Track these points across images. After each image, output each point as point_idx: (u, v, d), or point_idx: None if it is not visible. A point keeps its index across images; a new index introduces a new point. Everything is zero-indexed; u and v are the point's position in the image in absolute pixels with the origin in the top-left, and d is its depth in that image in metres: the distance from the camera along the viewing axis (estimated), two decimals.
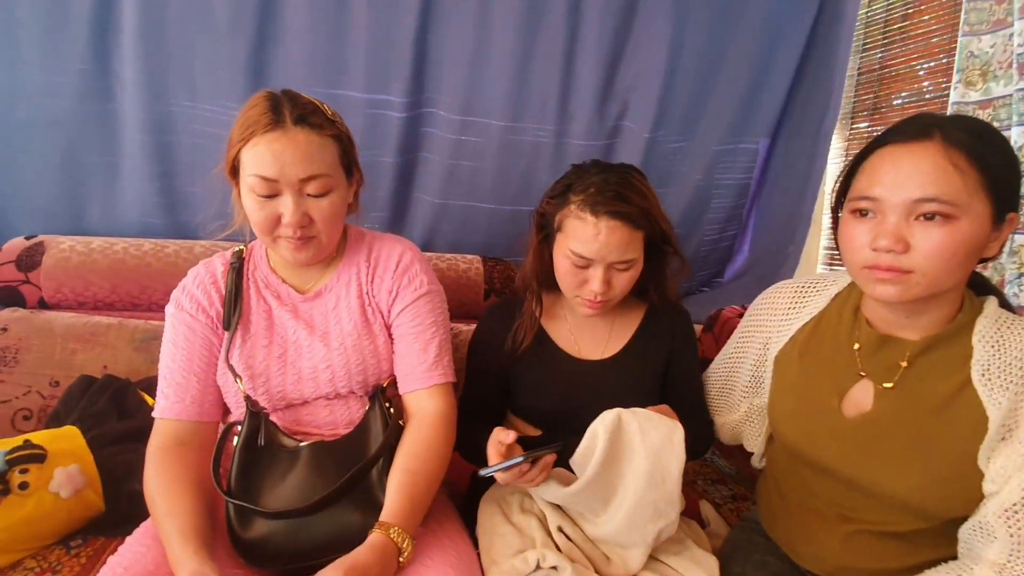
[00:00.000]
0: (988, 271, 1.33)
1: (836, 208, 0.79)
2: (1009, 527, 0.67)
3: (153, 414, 0.89)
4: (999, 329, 0.72)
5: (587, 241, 0.88)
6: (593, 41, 1.57)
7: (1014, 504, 0.67)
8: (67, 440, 0.96)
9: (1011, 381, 0.69)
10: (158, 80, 1.37)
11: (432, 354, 0.93)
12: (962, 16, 1.57)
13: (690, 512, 1.08)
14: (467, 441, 0.98)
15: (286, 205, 0.82)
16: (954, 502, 0.72)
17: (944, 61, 1.62)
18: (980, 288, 0.78)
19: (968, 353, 0.73)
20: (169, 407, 0.87)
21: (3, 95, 1.32)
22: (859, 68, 1.90)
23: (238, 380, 0.88)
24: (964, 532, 0.73)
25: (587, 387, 1.01)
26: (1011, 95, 1.45)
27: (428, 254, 1.50)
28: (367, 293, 0.95)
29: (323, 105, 0.87)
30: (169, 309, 0.92)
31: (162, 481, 0.81)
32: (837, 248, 0.79)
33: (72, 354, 1.22)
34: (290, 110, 0.82)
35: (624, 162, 0.98)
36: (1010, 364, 0.69)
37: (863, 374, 0.79)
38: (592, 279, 0.91)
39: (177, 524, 0.76)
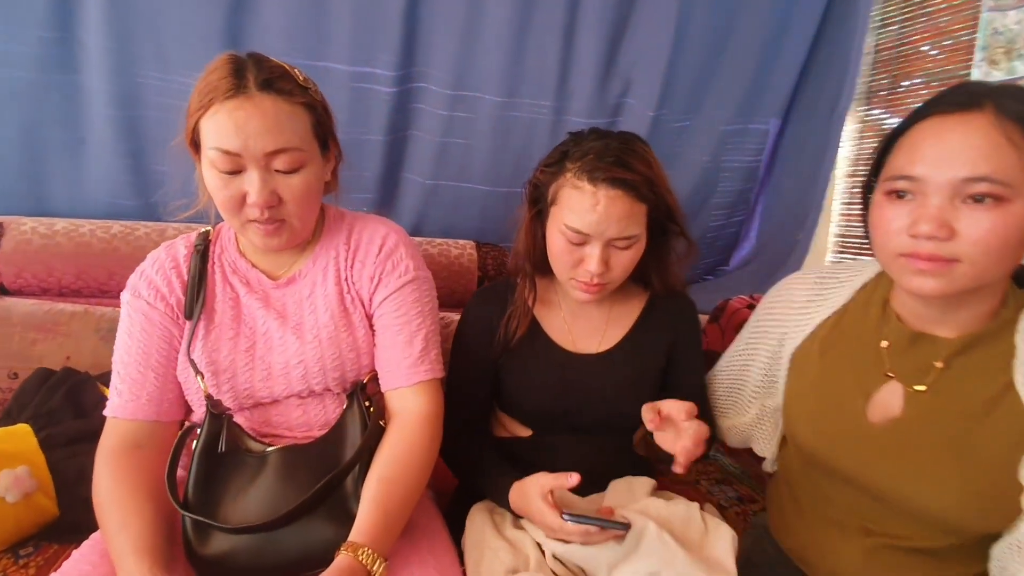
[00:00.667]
0: None
1: (866, 189, 0.71)
2: None
3: (104, 412, 0.80)
4: None
5: (584, 212, 0.80)
6: (595, 13, 1.48)
7: None
8: (16, 440, 0.88)
9: None
10: (125, 48, 1.27)
11: (418, 348, 0.85)
12: None
13: None
14: (452, 445, 0.90)
15: (251, 182, 0.73)
16: (992, 518, 0.65)
17: (965, 39, 1.52)
18: (1022, 282, 0.70)
19: (1011, 353, 0.65)
20: (123, 405, 0.79)
21: None
22: (876, 46, 1.80)
23: (199, 377, 0.79)
24: (998, 550, 0.66)
25: (582, 384, 0.93)
26: None
27: (417, 239, 1.42)
28: (346, 280, 0.86)
29: (294, 70, 0.78)
30: (125, 296, 0.84)
31: (115, 490, 0.73)
32: (866, 235, 0.70)
33: (32, 344, 1.13)
34: (255, 74, 0.73)
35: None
36: None
37: (891, 375, 0.72)
38: (589, 258, 0.82)
39: (131, 540, 0.68)
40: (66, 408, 0.97)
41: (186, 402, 0.85)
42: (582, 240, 0.82)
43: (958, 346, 0.67)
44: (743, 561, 0.86)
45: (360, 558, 0.67)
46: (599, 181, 0.79)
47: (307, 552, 0.73)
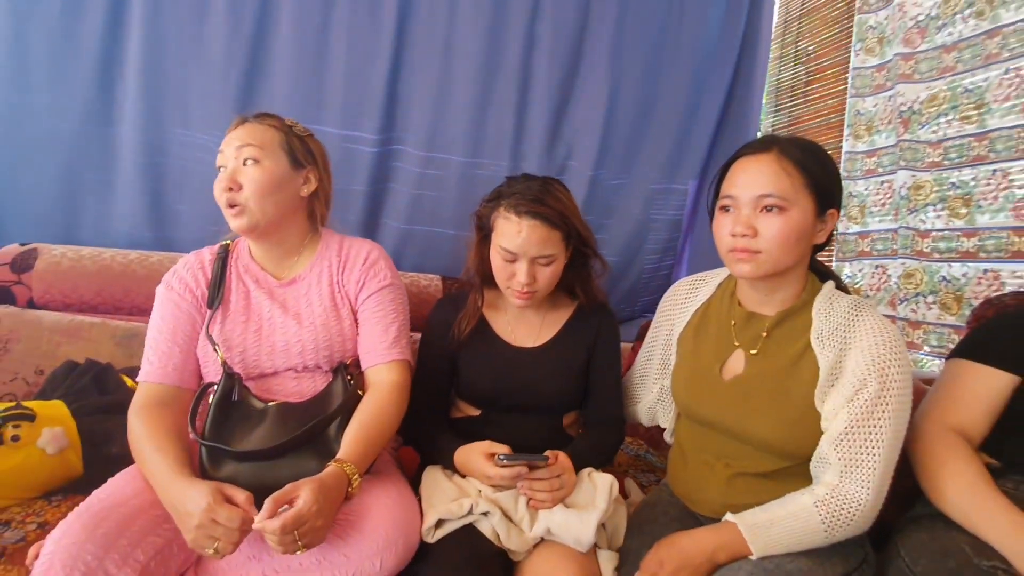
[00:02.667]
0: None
1: (711, 209, 1.00)
2: (838, 452, 0.84)
3: (137, 378, 1.01)
4: (830, 303, 0.92)
5: (512, 237, 1.05)
6: (542, 90, 1.83)
7: (839, 434, 0.84)
8: (53, 409, 1.07)
9: (836, 340, 0.88)
10: (156, 108, 1.56)
11: (392, 335, 1.08)
12: (850, 82, 1.89)
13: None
14: (415, 424, 1.11)
15: (225, 171, 1.02)
16: (802, 440, 0.89)
17: (836, 119, 1.92)
18: (822, 276, 0.99)
19: (808, 323, 0.92)
20: (152, 371, 1.00)
21: (13, 113, 1.49)
22: (773, 126, 2.20)
23: (217, 349, 1.01)
24: (812, 466, 0.90)
25: (521, 370, 1.16)
26: (894, 145, 1.73)
27: None
28: (337, 282, 1.10)
29: (284, 118, 1.08)
30: (159, 289, 1.07)
31: (147, 428, 0.92)
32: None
33: (57, 346, 1.33)
34: (252, 117, 1.06)
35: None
36: (835, 328, 0.89)
37: (737, 344, 0.98)
38: (519, 272, 1.07)
39: (166, 460, 0.87)
40: (91, 388, 1.16)
41: (201, 375, 1.06)
42: (513, 258, 1.07)
43: (775, 320, 0.94)
44: (644, 504, 1.08)
45: (345, 469, 0.88)
46: (522, 213, 1.04)
47: (296, 479, 0.89)
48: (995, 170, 1.48)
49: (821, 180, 0.88)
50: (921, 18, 1.69)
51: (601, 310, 1.23)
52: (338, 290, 1.10)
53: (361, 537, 0.88)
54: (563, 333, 1.20)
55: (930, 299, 1.59)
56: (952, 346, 1.02)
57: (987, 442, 0.90)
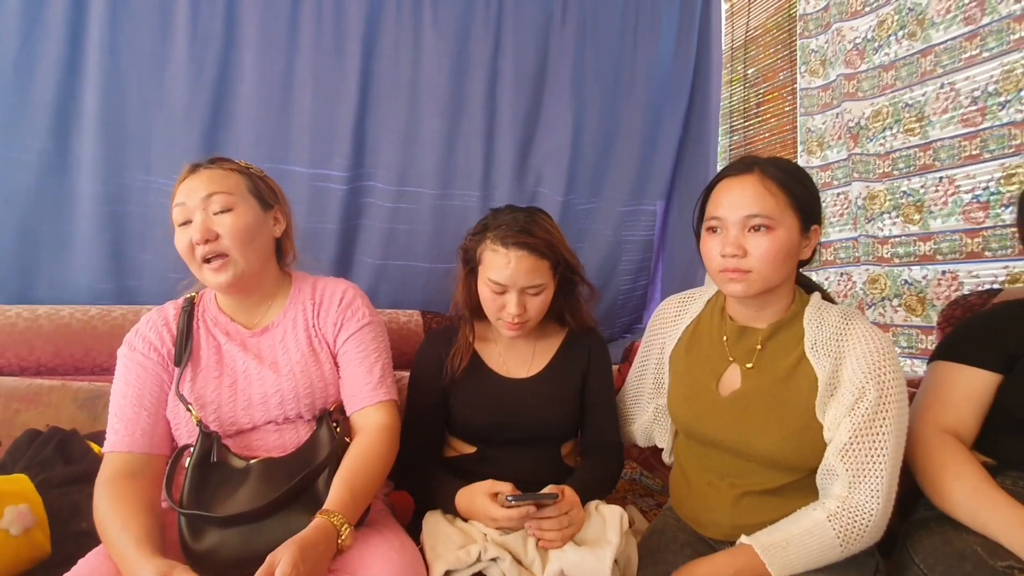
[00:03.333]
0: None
1: (697, 230, 1.02)
2: (845, 464, 0.85)
3: (103, 449, 0.93)
4: (820, 313, 0.94)
5: (500, 269, 1.04)
6: (508, 122, 1.87)
7: (844, 445, 0.85)
8: (16, 483, 0.98)
9: (830, 349, 0.90)
10: (114, 155, 1.50)
11: (377, 375, 1.04)
12: (798, 101, 1.99)
13: None
14: (409, 467, 1.07)
15: (195, 224, 0.95)
16: (806, 452, 0.90)
17: (790, 137, 2.01)
18: (808, 288, 1.02)
19: (801, 334, 0.94)
20: (119, 440, 0.93)
21: None
22: (730, 146, 2.29)
23: (190, 408, 0.95)
24: (818, 479, 0.91)
25: (516, 402, 1.14)
26: (846, 159, 1.82)
27: None
28: (313, 326, 1.06)
29: (242, 162, 1.04)
30: (122, 351, 1.00)
31: (114, 503, 0.85)
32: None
33: (15, 414, 1.23)
34: (205, 162, 1.01)
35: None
36: (828, 338, 0.91)
37: (731, 359, 0.99)
38: (509, 303, 1.06)
39: (132, 536, 0.80)
40: (56, 458, 1.07)
41: (173, 439, 0.99)
42: (502, 290, 1.06)
43: (768, 332, 0.96)
44: (651, 531, 1.06)
45: (332, 520, 0.82)
46: (510, 245, 1.04)
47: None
48: (942, 177, 1.57)
49: (802, 198, 0.91)
50: (859, 41, 1.80)
51: (590, 334, 1.23)
52: (315, 334, 1.06)
53: None
54: (556, 361, 1.19)
55: (895, 302, 1.66)
56: (922, 346, 1.06)
57: (979, 441, 0.93)
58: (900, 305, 1.65)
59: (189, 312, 1.03)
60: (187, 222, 0.96)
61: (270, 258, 1.05)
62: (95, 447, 1.14)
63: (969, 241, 1.51)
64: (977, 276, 1.49)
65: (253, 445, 1.00)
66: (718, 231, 0.94)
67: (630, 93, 2.00)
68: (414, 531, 1.07)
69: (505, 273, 1.04)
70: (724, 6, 2.25)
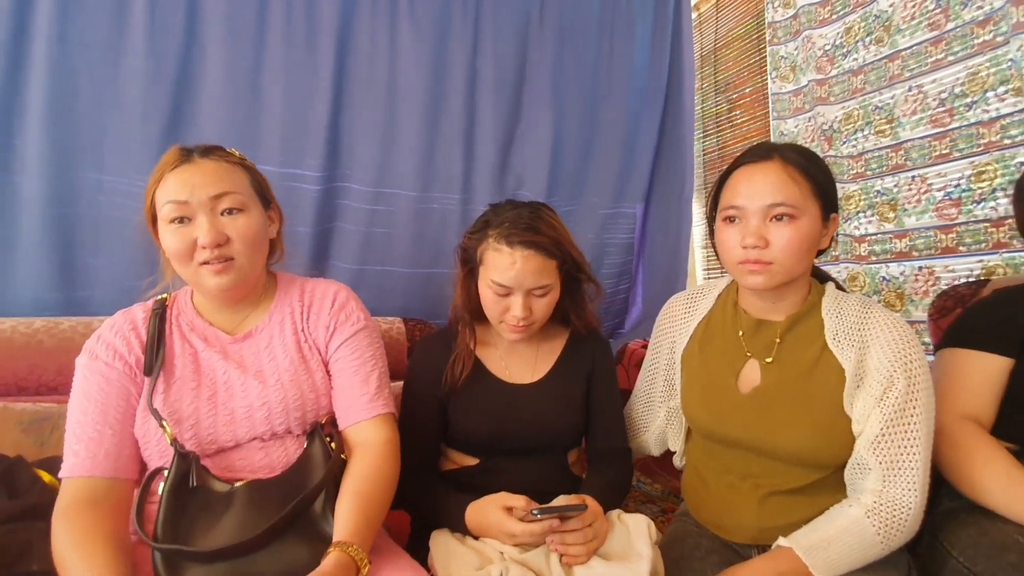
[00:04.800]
0: None
1: (711, 219, 0.98)
2: (877, 456, 0.83)
3: (60, 474, 0.81)
4: (838, 303, 0.93)
5: (505, 270, 0.97)
6: (488, 123, 1.81)
7: (876, 437, 0.83)
8: None
9: (853, 339, 0.88)
10: (63, 153, 1.34)
11: (373, 385, 0.95)
12: (770, 106, 2.03)
13: None
14: (407, 483, 0.98)
15: (200, 226, 0.84)
16: (835, 447, 0.87)
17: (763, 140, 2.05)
18: (821, 278, 1.00)
19: (820, 325, 0.92)
20: (79, 464, 0.80)
21: None
22: (704, 150, 2.32)
23: (164, 424, 0.83)
24: (848, 474, 0.88)
25: (521, 409, 1.08)
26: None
27: None
28: (302, 331, 0.96)
29: (230, 150, 0.94)
30: (81, 360, 0.87)
31: (74, 536, 0.74)
32: (715, 252, 0.97)
33: None
34: (197, 149, 0.89)
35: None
36: (850, 327, 0.89)
37: (749, 354, 0.96)
38: (513, 306, 0.99)
39: (98, 574, 0.69)
40: (0, 491, 0.93)
41: (142, 461, 0.87)
42: (506, 292, 0.99)
43: (786, 325, 0.93)
44: (671, 540, 1.01)
45: (351, 553, 0.73)
46: (515, 244, 0.97)
47: (285, 574, 0.76)
48: (913, 176, 1.62)
49: (824, 185, 0.89)
50: (828, 47, 1.85)
51: (593, 335, 1.18)
52: (305, 339, 0.96)
53: None
54: (560, 364, 1.14)
55: (875, 299, 1.69)
56: None
57: (997, 427, 0.93)
58: (880, 301, 1.69)
59: (161, 315, 0.92)
60: (182, 219, 0.84)
61: (265, 260, 0.96)
62: (45, 475, 1.00)
63: (944, 237, 1.56)
64: (953, 271, 1.54)
65: (235, 466, 0.89)
66: (736, 221, 0.90)
67: (608, 96, 1.99)
68: (414, 554, 0.98)
69: (510, 274, 0.98)
70: (693, 15, 2.29)
